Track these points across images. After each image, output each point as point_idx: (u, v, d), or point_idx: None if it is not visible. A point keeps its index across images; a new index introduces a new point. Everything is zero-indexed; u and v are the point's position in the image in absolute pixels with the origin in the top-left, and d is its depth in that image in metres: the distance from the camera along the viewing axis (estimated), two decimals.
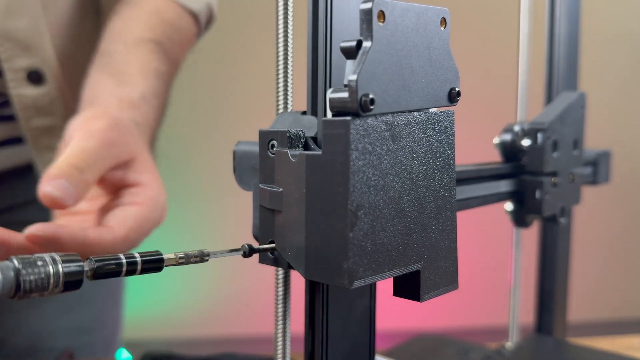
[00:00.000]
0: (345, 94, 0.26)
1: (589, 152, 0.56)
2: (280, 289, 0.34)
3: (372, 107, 0.26)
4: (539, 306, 0.60)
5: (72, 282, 0.25)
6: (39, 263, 0.24)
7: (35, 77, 0.58)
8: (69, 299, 0.69)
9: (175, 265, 0.28)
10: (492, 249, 2.03)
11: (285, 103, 0.33)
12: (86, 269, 0.25)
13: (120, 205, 0.42)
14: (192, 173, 1.91)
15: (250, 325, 2.02)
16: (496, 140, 0.48)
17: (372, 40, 0.26)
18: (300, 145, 0.30)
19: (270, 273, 0.35)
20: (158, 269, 0.27)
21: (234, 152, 0.34)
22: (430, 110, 0.30)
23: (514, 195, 0.46)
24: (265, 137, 0.30)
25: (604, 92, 2.17)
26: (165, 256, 0.27)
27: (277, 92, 0.34)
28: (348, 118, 0.26)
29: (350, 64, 0.27)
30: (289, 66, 0.33)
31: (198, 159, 1.93)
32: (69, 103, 0.62)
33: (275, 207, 0.30)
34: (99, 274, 0.26)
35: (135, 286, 1.73)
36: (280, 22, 0.33)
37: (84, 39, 0.66)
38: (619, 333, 0.69)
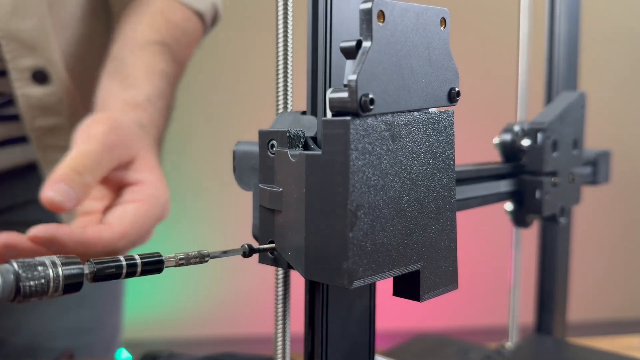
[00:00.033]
0: (345, 94, 0.26)
1: (589, 152, 0.56)
2: (280, 288, 0.34)
3: (371, 107, 0.26)
4: (538, 306, 0.60)
5: (72, 285, 0.25)
6: (39, 266, 0.24)
7: (40, 76, 0.58)
8: (69, 300, 0.69)
9: (175, 266, 0.28)
10: (492, 249, 2.03)
11: (285, 103, 0.33)
12: (86, 271, 0.25)
13: (120, 204, 0.43)
14: (191, 173, 1.91)
15: (250, 325, 2.02)
16: (496, 140, 0.48)
17: (371, 40, 0.26)
18: (300, 145, 0.30)
19: (270, 273, 0.35)
20: (158, 270, 0.27)
21: (234, 152, 0.34)
22: (430, 110, 0.30)
23: (514, 195, 0.46)
24: (265, 137, 0.30)
25: (604, 92, 2.17)
26: (164, 257, 0.27)
27: (277, 92, 0.34)
28: (348, 118, 0.26)
29: (350, 64, 0.27)
30: (289, 66, 0.33)
31: (198, 159, 1.93)
32: (74, 103, 0.62)
33: (275, 207, 0.30)
34: (99, 276, 0.25)
35: (135, 286, 1.73)
36: (280, 22, 0.33)
37: (90, 38, 0.66)
38: (618, 333, 0.69)
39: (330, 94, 0.27)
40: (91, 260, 0.25)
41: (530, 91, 0.54)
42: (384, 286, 0.33)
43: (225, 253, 0.30)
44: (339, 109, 0.26)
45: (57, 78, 0.59)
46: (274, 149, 0.30)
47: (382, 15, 0.27)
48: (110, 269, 0.26)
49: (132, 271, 0.26)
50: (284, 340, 0.35)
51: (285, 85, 0.33)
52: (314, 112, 0.32)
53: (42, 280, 0.24)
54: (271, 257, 0.32)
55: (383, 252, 0.28)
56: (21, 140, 0.65)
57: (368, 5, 0.26)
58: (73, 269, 0.25)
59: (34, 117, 0.59)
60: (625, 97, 2.26)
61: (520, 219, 0.48)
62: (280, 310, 0.34)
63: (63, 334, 0.69)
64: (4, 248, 0.39)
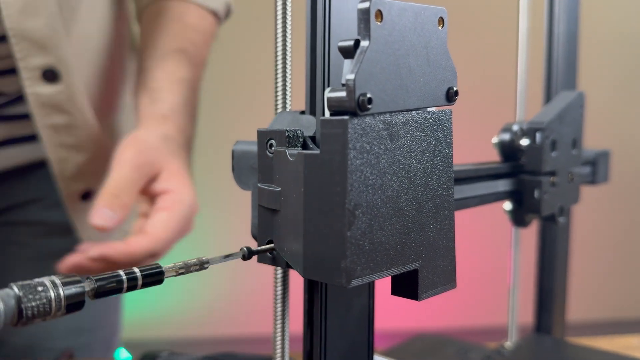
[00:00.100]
0: (343, 93, 0.26)
1: (588, 152, 0.56)
2: (279, 288, 0.34)
3: (369, 106, 0.26)
4: (538, 306, 0.60)
5: (74, 305, 0.25)
6: (40, 288, 0.24)
7: (50, 75, 0.58)
8: None
9: (175, 275, 0.28)
10: (491, 248, 2.03)
11: (284, 102, 0.34)
12: (87, 289, 0.25)
13: (154, 212, 0.51)
14: (190, 172, 1.91)
15: (250, 325, 2.02)
16: (495, 139, 0.48)
17: (369, 39, 0.26)
18: (299, 145, 0.30)
19: (269, 273, 0.35)
20: (159, 281, 0.27)
21: (233, 152, 0.34)
22: (428, 109, 0.30)
23: (513, 195, 0.46)
24: (264, 137, 0.31)
25: (603, 92, 2.17)
26: (164, 268, 0.28)
27: (276, 91, 0.34)
28: (346, 117, 0.26)
29: (347, 63, 0.27)
30: (288, 66, 0.33)
31: (197, 159, 1.93)
32: (85, 101, 0.62)
33: (274, 207, 0.30)
34: (100, 292, 0.26)
35: None
36: (279, 21, 0.33)
37: (100, 36, 0.66)
38: (618, 333, 0.69)
39: (328, 94, 0.27)
40: (91, 277, 0.25)
41: (529, 91, 0.54)
42: (384, 286, 0.33)
43: (224, 258, 0.30)
44: (337, 109, 0.27)
45: (67, 76, 0.59)
46: (273, 148, 0.30)
47: (380, 14, 0.27)
48: (110, 284, 0.26)
49: (132, 285, 0.26)
50: (283, 339, 0.35)
51: (284, 85, 0.33)
52: (312, 111, 0.32)
53: (44, 302, 0.24)
54: (270, 257, 0.32)
55: (381, 251, 0.28)
56: (22, 140, 0.65)
57: (366, 4, 0.26)
58: (74, 289, 0.25)
59: (45, 115, 0.59)
60: (625, 97, 2.26)
61: (519, 218, 0.48)
62: (279, 309, 0.34)
63: (63, 334, 0.69)
64: (72, 269, 0.46)
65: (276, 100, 0.34)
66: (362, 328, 0.34)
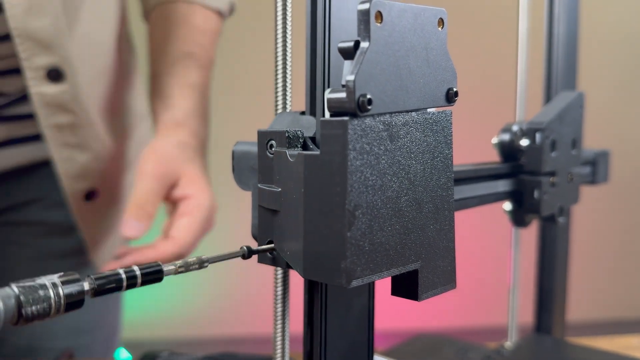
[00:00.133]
0: (343, 94, 0.26)
1: (588, 152, 0.56)
2: (280, 288, 0.34)
3: (369, 107, 0.26)
4: (538, 306, 0.60)
5: (73, 303, 0.25)
6: (39, 288, 0.24)
7: (55, 74, 0.58)
8: None
9: (174, 274, 0.28)
10: (491, 248, 2.04)
11: (284, 103, 0.34)
12: (87, 288, 0.25)
13: (177, 217, 0.56)
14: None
15: (250, 325, 2.02)
16: (495, 140, 0.48)
17: (369, 40, 0.26)
18: (299, 145, 0.30)
19: (270, 273, 0.35)
20: (158, 279, 0.27)
21: (233, 152, 0.34)
22: (428, 110, 0.30)
23: (513, 195, 0.46)
24: (264, 137, 0.31)
25: (602, 92, 2.17)
26: (164, 266, 0.28)
27: (276, 92, 0.34)
28: (346, 118, 0.26)
29: (348, 64, 0.27)
30: (288, 66, 0.33)
31: None
32: (89, 100, 0.62)
33: (274, 207, 0.30)
34: (100, 291, 0.26)
35: None
36: (279, 22, 0.33)
37: (104, 36, 0.66)
38: (617, 333, 0.69)
39: (328, 95, 0.27)
40: (91, 275, 0.26)
41: (529, 91, 0.54)
42: (384, 286, 0.33)
43: (224, 257, 0.30)
44: (337, 109, 0.27)
45: (71, 75, 0.59)
46: (273, 149, 0.30)
47: (380, 15, 0.27)
48: (110, 283, 0.26)
49: (132, 283, 0.26)
50: (283, 339, 0.35)
51: (284, 86, 0.33)
52: (312, 112, 0.32)
53: (44, 302, 0.24)
54: (270, 257, 0.32)
55: (381, 252, 0.28)
56: (23, 140, 0.65)
57: (366, 6, 0.26)
58: (73, 288, 0.25)
59: (49, 115, 0.59)
60: (625, 97, 2.26)
61: (519, 218, 0.48)
62: (279, 309, 0.34)
63: (63, 334, 0.69)
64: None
65: (276, 101, 0.34)
66: (362, 328, 0.34)
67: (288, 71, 0.33)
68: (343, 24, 0.31)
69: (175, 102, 0.63)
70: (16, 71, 0.60)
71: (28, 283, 0.24)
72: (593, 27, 2.05)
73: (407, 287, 0.30)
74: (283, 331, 0.35)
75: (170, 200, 0.58)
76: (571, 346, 0.58)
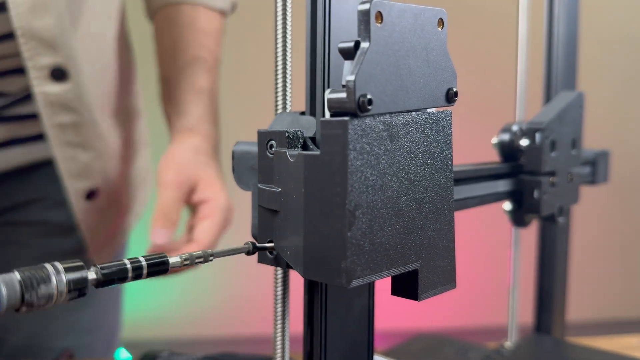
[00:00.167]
0: (343, 95, 0.26)
1: (588, 152, 0.56)
2: (280, 288, 0.34)
3: (369, 107, 0.26)
4: (537, 306, 0.60)
5: (76, 291, 0.25)
6: (43, 274, 0.24)
7: (58, 74, 0.58)
8: None
9: (180, 266, 0.28)
10: (491, 248, 2.04)
11: (284, 103, 0.34)
12: (92, 277, 0.25)
13: (198, 221, 0.59)
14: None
15: (250, 325, 2.02)
16: (494, 140, 0.48)
17: (369, 41, 0.26)
18: (299, 146, 0.30)
19: (270, 273, 0.35)
20: (163, 271, 0.27)
21: (233, 152, 0.34)
22: (428, 110, 0.30)
23: (513, 195, 0.46)
24: (264, 138, 0.31)
25: (602, 92, 2.17)
26: (170, 258, 0.28)
27: (276, 92, 0.34)
28: (346, 118, 0.26)
29: (348, 64, 0.27)
30: (288, 67, 0.33)
31: None
32: (91, 99, 0.62)
33: (274, 207, 0.30)
34: (105, 281, 0.25)
35: (135, 286, 1.73)
36: (279, 22, 0.33)
37: (107, 35, 0.66)
38: (617, 332, 0.69)
39: (328, 95, 0.27)
40: (96, 264, 0.25)
41: (529, 91, 0.54)
42: (383, 286, 0.33)
43: (229, 251, 0.30)
44: (337, 110, 0.27)
45: (75, 74, 0.59)
46: (273, 149, 0.30)
47: (380, 16, 0.27)
48: (115, 273, 0.26)
49: (138, 274, 0.26)
50: (283, 339, 0.35)
51: (284, 86, 0.33)
52: (312, 112, 0.32)
53: (47, 288, 0.24)
54: (270, 257, 0.32)
55: (381, 252, 0.28)
56: (24, 140, 0.66)
57: (366, 6, 0.26)
58: (77, 275, 0.24)
59: (52, 114, 0.60)
60: (624, 97, 2.26)
61: (519, 218, 0.48)
62: (279, 309, 0.34)
63: (63, 334, 0.69)
64: None
65: (276, 101, 0.34)
66: (362, 328, 0.34)
67: (288, 71, 0.33)
68: (343, 24, 0.31)
69: (186, 109, 0.66)
70: (18, 71, 0.60)
71: (32, 269, 0.24)
72: (593, 27, 2.05)
73: (407, 287, 0.30)
74: (283, 331, 0.35)
75: (190, 203, 0.62)
76: (571, 346, 0.58)
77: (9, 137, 0.65)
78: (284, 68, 0.33)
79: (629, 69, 2.25)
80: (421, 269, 0.30)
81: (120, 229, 0.73)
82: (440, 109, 0.31)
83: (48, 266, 0.24)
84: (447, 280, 0.32)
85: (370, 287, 0.34)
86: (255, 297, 2.06)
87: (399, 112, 0.28)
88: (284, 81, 0.33)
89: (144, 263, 0.26)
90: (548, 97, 0.56)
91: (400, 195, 0.29)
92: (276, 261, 0.32)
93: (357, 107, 0.26)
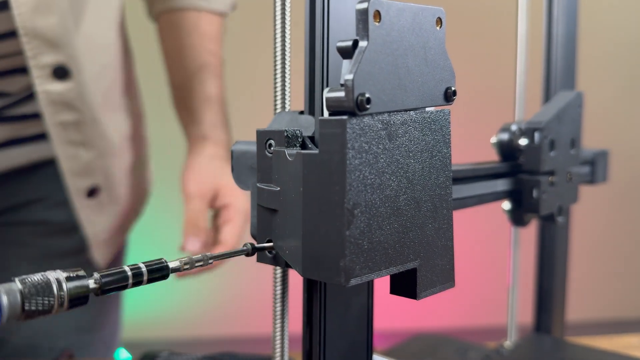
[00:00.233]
0: (341, 93, 0.26)
1: (587, 152, 0.56)
2: (279, 288, 0.34)
3: (368, 106, 0.26)
4: (537, 305, 0.60)
5: (77, 299, 0.25)
6: (43, 283, 0.24)
7: (61, 72, 0.58)
8: None
9: (180, 271, 0.28)
10: (490, 248, 2.04)
11: (283, 102, 0.34)
12: (92, 285, 0.25)
13: (222, 224, 0.66)
14: None
15: (250, 325, 2.02)
16: (493, 139, 0.48)
17: (368, 40, 0.26)
18: (298, 145, 0.30)
19: (269, 273, 0.35)
20: (164, 277, 0.27)
21: (232, 152, 0.34)
22: (427, 109, 0.30)
23: (512, 195, 0.46)
24: (263, 137, 0.31)
25: (601, 92, 2.17)
26: (170, 263, 0.28)
27: (275, 91, 0.34)
28: (344, 117, 0.26)
29: (346, 63, 0.27)
30: (287, 66, 0.33)
31: None
32: (93, 97, 0.63)
33: (273, 206, 0.30)
34: (106, 289, 0.25)
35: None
36: (278, 22, 0.33)
37: (109, 34, 0.67)
38: (617, 332, 0.69)
39: (327, 94, 0.27)
40: (97, 272, 0.25)
41: (528, 91, 0.54)
42: (383, 285, 0.33)
43: (228, 254, 0.30)
44: (336, 108, 0.27)
45: (77, 73, 0.59)
46: (272, 148, 0.30)
47: (378, 15, 0.27)
48: (116, 281, 0.26)
49: (138, 280, 0.26)
50: (282, 339, 0.35)
51: (283, 85, 0.34)
52: (311, 111, 0.32)
53: (48, 298, 0.23)
54: (270, 256, 0.32)
55: (380, 250, 0.28)
56: (25, 140, 0.66)
57: (364, 5, 0.26)
58: (78, 284, 0.24)
59: (54, 112, 0.60)
60: (624, 97, 2.26)
61: (518, 218, 0.48)
62: (278, 309, 0.34)
63: (63, 334, 0.69)
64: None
65: (275, 100, 0.34)
66: (362, 328, 0.34)
67: (287, 71, 0.33)
68: (342, 23, 0.31)
69: (198, 117, 0.70)
70: (19, 71, 0.60)
71: (32, 278, 0.24)
72: (592, 27, 2.05)
73: (405, 285, 0.30)
74: (282, 331, 0.35)
75: (213, 208, 0.68)
76: (571, 346, 0.58)
77: (10, 137, 0.65)
78: (283, 67, 0.33)
79: (628, 69, 2.25)
80: (420, 267, 0.30)
81: (121, 227, 0.73)
82: (439, 108, 0.31)
83: (49, 275, 0.24)
84: (445, 279, 0.32)
85: (369, 286, 0.34)
86: (254, 297, 2.06)
87: (397, 111, 0.28)
88: (283, 80, 0.33)
89: (144, 269, 0.27)
90: (547, 97, 0.56)
91: (399, 194, 0.29)
92: (275, 260, 0.32)
93: (355, 106, 0.26)
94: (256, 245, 0.31)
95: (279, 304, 0.34)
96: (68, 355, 0.62)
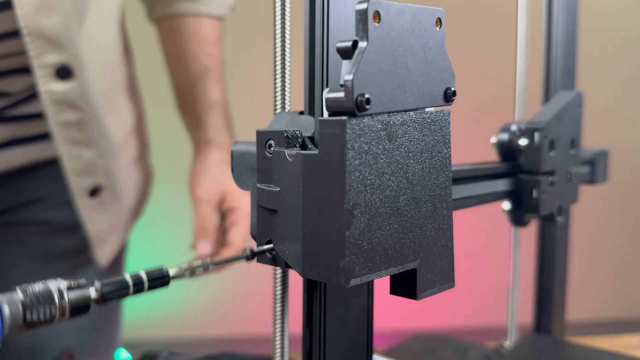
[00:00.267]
0: (341, 94, 0.26)
1: (587, 152, 0.56)
2: (279, 288, 0.34)
3: (368, 106, 0.26)
4: (537, 305, 0.60)
5: (78, 309, 0.25)
6: (45, 293, 0.24)
7: (64, 72, 0.58)
8: None
9: (181, 277, 0.28)
10: (490, 248, 2.04)
11: (283, 103, 0.34)
12: (94, 294, 0.25)
13: (230, 226, 0.69)
14: (189, 173, 1.91)
15: (250, 325, 2.02)
16: (493, 139, 0.48)
17: (367, 40, 0.26)
18: (298, 145, 0.30)
19: (269, 273, 0.35)
20: (165, 284, 0.27)
21: (232, 152, 0.34)
22: (426, 109, 0.30)
23: (512, 195, 0.46)
24: (263, 137, 0.31)
25: (601, 92, 2.17)
26: (170, 270, 0.28)
27: (275, 92, 0.34)
28: (344, 118, 0.26)
29: (346, 64, 0.27)
30: (287, 66, 0.33)
31: None
32: (95, 97, 0.63)
33: (273, 207, 0.30)
34: (107, 298, 0.26)
35: None
36: (278, 22, 0.33)
37: (108, 35, 0.67)
38: (617, 332, 0.69)
39: (326, 94, 0.27)
40: (97, 281, 0.25)
41: (528, 91, 0.54)
42: (383, 285, 0.33)
43: (228, 259, 0.30)
44: (336, 109, 0.27)
45: (80, 73, 0.60)
46: (272, 148, 0.30)
47: (377, 15, 0.27)
48: (117, 289, 0.26)
49: (139, 289, 0.26)
50: (282, 339, 0.35)
51: (283, 85, 0.34)
52: (311, 112, 0.32)
53: (49, 308, 0.24)
54: (270, 257, 0.32)
55: (380, 251, 0.28)
56: (27, 140, 0.66)
57: (364, 5, 0.26)
58: (79, 294, 0.25)
59: (57, 112, 0.60)
60: (623, 97, 2.26)
61: (518, 218, 0.48)
62: (278, 309, 0.34)
63: (64, 333, 0.69)
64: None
65: (275, 101, 0.34)
66: (361, 328, 0.34)
67: (287, 71, 0.33)
68: (341, 23, 0.31)
69: (203, 122, 0.72)
70: (21, 70, 0.60)
71: (33, 288, 0.24)
72: (592, 27, 2.05)
73: (405, 286, 0.31)
74: (282, 331, 0.35)
75: (221, 211, 0.71)
76: (571, 346, 0.58)
77: (11, 137, 0.65)
78: (283, 68, 0.33)
79: (628, 69, 2.25)
80: (420, 268, 0.30)
81: (123, 226, 0.73)
82: (439, 109, 0.31)
83: (50, 284, 0.24)
84: (445, 279, 0.32)
85: (369, 286, 0.34)
86: (254, 297, 2.06)
87: (397, 112, 0.28)
88: (283, 81, 0.33)
89: (144, 278, 0.27)
90: (547, 97, 0.56)
91: (399, 194, 0.29)
92: (275, 261, 0.32)
93: (355, 107, 0.26)
94: (255, 249, 0.31)
95: (279, 304, 0.34)
96: (68, 355, 0.63)
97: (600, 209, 2.19)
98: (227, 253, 0.68)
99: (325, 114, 0.28)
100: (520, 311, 0.57)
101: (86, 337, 0.71)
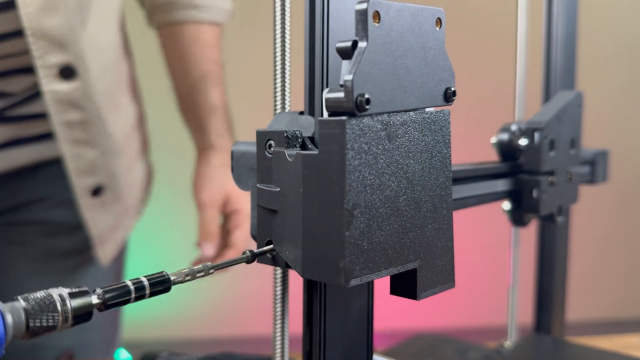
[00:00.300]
0: (341, 94, 0.26)
1: (587, 152, 0.56)
2: (279, 288, 0.34)
3: (367, 106, 0.26)
4: (537, 305, 0.60)
5: (81, 316, 0.25)
6: (48, 301, 0.24)
7: (67, 72, 0.59)
8: None
9: (182, 282, 0.28)
10: (490, 248, 2.03)
11: (283, 103, 0.34)
12: (96, 301, 0.25)
13: (233, 228, 0.71)
14: (189, 173, 1.91)
15: (250, 325, 2.02)
16: (493, 139, 0.48)
17: (367, 40, 0.26)
18: (298, 145, 0.30)
19: (269, 273, 0.35)
20: (166, 289, 0.27)
21: (232, 152, 0.34)
22: (426, 109, 0.30)
23: (512, 195, 0.46)
24: (263, 137, 0.31)
25: (601, 92, 2.17)
26: (171, 276, 0.28)
27: (275, 92, 0.34)
28: (344, 118, 0.26)
29: (346, 64, 0.27)
30: (287, 67, 0.33)
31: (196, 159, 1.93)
32: (98, 97, 0.63)
33: (273, 207, 0.30)
34: (109, 304, 0.26)
35: None
36: (278, 22, 0.33)
37: (109, 35, 0.67)
38: (617, 332, 0.69)
39: (326, 94, 0.27)
40: (99, 288, 0.25)
41: (528, 91, 0.54)
42: (383, 285, 0.33)
43: (228, 262, 0.30)
44: (335, 109, 0.27)
45: (83, 73, 0.60)
46: (272, 149, 0.30)
47: (377, 15, 0.27)
48: (118, 296, 0.26)
49: (140, 295, 0.26)
50: (282, 339, 0.35)
51: (283, 86, 0.34)
52: (311, 112, 0.32)
53: (52, 316, 0.24)
54: (270, 257, 0.32)
55: (380, 251, 0.28)
56: (28, 140, 0.66)
57: (363, 5, 0.26)
58: (81, 301, 0.25)
59: (60, 112, 0.60)
60: (623, 97, 2.26)
61: (518, 218, 0.48)
62: (278, 309, 0.34)
63: (64, 333, 0.69)
64: None
65: (275, 101, 0.34)
66: (362, 328, 0.34)
67: (287, 71, 0.33)
68: (341, 23, 0.31)
69: (205, 127, 0.73)
70: (23, 70, 0.60)
71: (36, 296, 0.24)
72: (592, 27, 2.05)
73: (405, 286, 0.31)
74: (282, 331, 0.35)
75: (224, 213, 0.72)
76: (571, 346, 0.58)
77: (13, 137, 0.65)
78: (283, 68, 0.33)
79: (628, 69, 2.25)
80: (420, 268, 0.30)
81: (124, 225, 0.73)
82: (439, 109, 0.31)
83: (52, 292, 0.24)
84: (445, 279, 0.32)
85: (369, 286, 0.34)
86: (254, 297, 2.06)
87: (397, 112, 0.28)
88: (283, 81, 0.33)
89: (146, 283, 0.27)
90: (547, 97, 0.56)
91: (399, 194, 0.29)
92: (275, 261, 0.32)
93: (355, 107, 0.26)
94: (255, 250, 0.31)
95: (279, 305, 0.34)
96: (68, 355, 0.63)
97: (601, 209, 2.19)
98: (229, 255, 0.69)
99: (325, 114, 0.28)
100: (520, 311, 0.57)
101: (86, 337, 0.71)
